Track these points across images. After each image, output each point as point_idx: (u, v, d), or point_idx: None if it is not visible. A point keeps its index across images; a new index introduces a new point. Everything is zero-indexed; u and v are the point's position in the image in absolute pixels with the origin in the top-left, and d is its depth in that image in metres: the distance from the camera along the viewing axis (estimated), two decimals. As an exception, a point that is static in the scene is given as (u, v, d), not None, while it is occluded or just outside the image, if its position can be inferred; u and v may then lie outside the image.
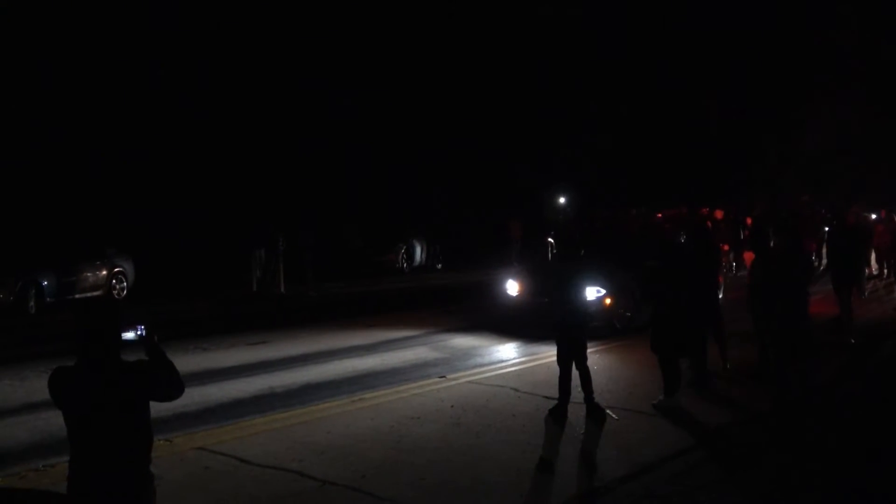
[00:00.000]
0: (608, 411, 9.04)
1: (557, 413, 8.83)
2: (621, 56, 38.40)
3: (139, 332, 4.08)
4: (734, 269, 21.50)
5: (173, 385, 4.13)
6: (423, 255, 29.25)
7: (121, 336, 4.05)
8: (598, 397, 9.23)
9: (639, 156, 39.10)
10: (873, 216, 24.09)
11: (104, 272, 20.20)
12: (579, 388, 9.16)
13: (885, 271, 21.94)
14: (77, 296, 19.02)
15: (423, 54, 34.53)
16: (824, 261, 21.79)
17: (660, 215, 23.98)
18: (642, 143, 39.43)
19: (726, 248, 21.35)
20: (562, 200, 32.78)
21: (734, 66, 38.98)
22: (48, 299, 18.51)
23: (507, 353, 13.17)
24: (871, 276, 20.68)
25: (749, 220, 23.20)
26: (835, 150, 37.97)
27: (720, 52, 38.76)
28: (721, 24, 38.65)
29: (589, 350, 12.10)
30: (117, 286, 20.52)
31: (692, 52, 38.83)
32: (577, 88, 37.69)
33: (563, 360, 8.91)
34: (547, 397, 9.29)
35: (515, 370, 11.44)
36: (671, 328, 9.46)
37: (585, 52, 37.76)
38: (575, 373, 8.92)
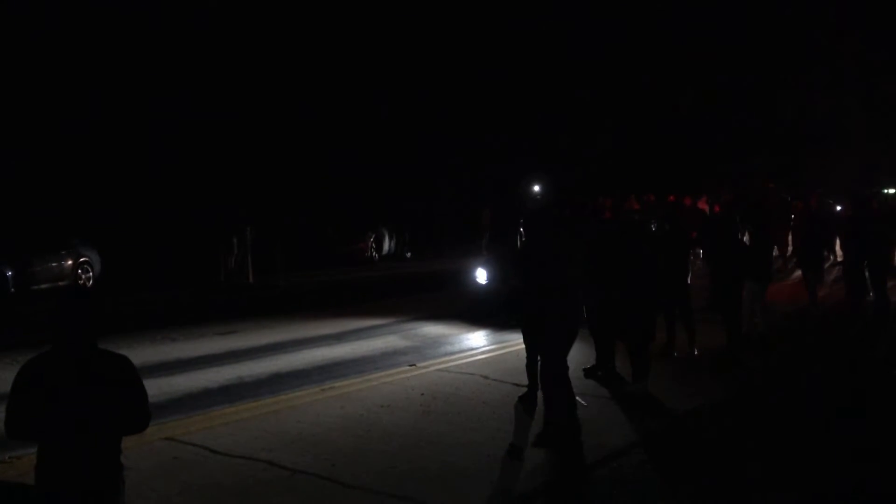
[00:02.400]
0: (578, 398, 9.07)
1: (527, 400, 8.88)
2: (601, 46, 38.45)
3: None
4: (700, 255, 21.65)
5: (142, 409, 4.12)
6: (393, 244, 29.24)
7: (96, 325, 4.03)
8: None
9: (615, 144, 39.23)
10: (838, 207, 24.31)
11: (69, 262, 20.00)
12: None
13: None
14: (43, 286, 18.82)
15: (396, 42, 34.40)
16: (790, 248, 22.09)
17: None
18: (619, 132, 39.56)
19: (694, 235, 21.49)
20: (535, 189, 32.79)
21: (709, 54, 39.18)
22: (12, 290, 18.30)
23: (477, 340, 13.20)
24: (838, 263, 20.92)
25: (717, 208, 23.37)
26: (806, 139, 38.42)
27: (697, 42, 38.94)
28: (698, 14, 38.89)
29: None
30: (83, 276, 20.32)
31: (668, 40, 38.97)
32: (553, 77, 37.74)
33: (529, 347, 8.96)
34: (517, 384, 9.33)
35: (485, 358, 11.47)
36: (616, 311, 9.61)
37: (564, 40, 37.80)
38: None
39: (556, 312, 9.21)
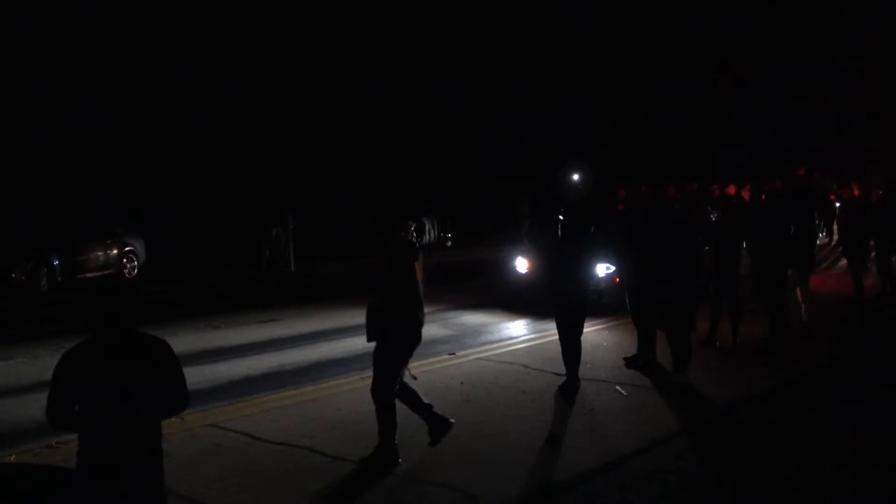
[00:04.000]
0: (617, 387, 9.07)
1: (567, 389, 8.89)
2: (637, 32, 38.12)
3: None
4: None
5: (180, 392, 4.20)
6: (433, 233, 29.29)
7: (134, 313, 4.09)
8: (607, 373, 9.32)
9: (653, 133, 38.91)
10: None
11: (115, 251, 20.28)
12: (588, 365, 9.20)
13: None
14: (88, 275, 19.11)
15: (430, 28, 34.39)
16: (835, 236, 21.76)
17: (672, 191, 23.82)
18: (656, 120, 39.22)
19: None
20: (575, 177, 32.67)
21: (747, 40, 38.66)
22: (59, 278, 18.61)
23: (517, 330, 13.20)
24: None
25: (764, 197, 23.05)
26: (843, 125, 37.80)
27: (735, 28, 38.46)
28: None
29: (599, 326, 12.20)
30: (128, 265, 20.60)
31: (708, 27, 38.53)
32: (591, 65, 37.50)
33: (564, 335, 8.99)
34: (556, 374, 9.32)
35: (525, 347, 11.46)
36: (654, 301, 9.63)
37: (601, 26, 37.54)
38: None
39: (587, 304, 9.29)
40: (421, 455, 6.93)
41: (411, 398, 7.00)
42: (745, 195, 24.68)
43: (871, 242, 15.55)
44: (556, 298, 9.12)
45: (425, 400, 7.02)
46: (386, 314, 6.77)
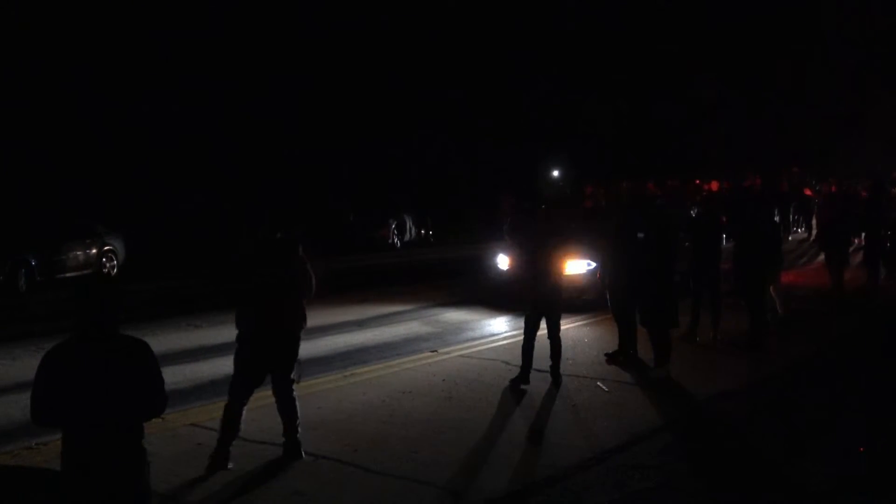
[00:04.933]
0: (599, 383, 9.10)
1: (520, 380, 8.94)
2: (618, 27, 38.19)
3: None
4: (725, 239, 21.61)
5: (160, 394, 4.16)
6: (415, 230, 29.27)
7: (119, 314, 4.07)
8: (589, 369, 9.35)
9: (633, 129, 39.02)
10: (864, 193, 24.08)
11: (94, 251, 20.12)
12: (570, 361, 9.21)
13: None
14: (68, 274, 18.96)
15: (408, 26, 34.36)
16: (814, 231, 21.93)
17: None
18: (637, 116, 39.33)
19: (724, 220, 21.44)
20: (555, 174, 32.76)
21: (725, 38, 38.85)
22: (38, 278, 18.44)
23: (499, 326, 13.22)
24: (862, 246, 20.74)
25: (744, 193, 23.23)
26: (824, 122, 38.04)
27: (713, 23, 38.63)
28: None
29: (580, 322, 12.24)
30: (108, 265, 20.44)
31: (687, 23, 38.67)
32: (571, 59, 37.55)
33: (530, 329, 9.03)
34: (538, 370, 9.32)
35: (507, 344, 11.46)
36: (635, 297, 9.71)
37: (581, 21, 37.60)
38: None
39: (561, 300, 9.34)
40: (404, 452, 6.94)
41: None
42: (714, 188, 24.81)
43: (852, 237, 15.68)
44: (534, 295, 9.14)
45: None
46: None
